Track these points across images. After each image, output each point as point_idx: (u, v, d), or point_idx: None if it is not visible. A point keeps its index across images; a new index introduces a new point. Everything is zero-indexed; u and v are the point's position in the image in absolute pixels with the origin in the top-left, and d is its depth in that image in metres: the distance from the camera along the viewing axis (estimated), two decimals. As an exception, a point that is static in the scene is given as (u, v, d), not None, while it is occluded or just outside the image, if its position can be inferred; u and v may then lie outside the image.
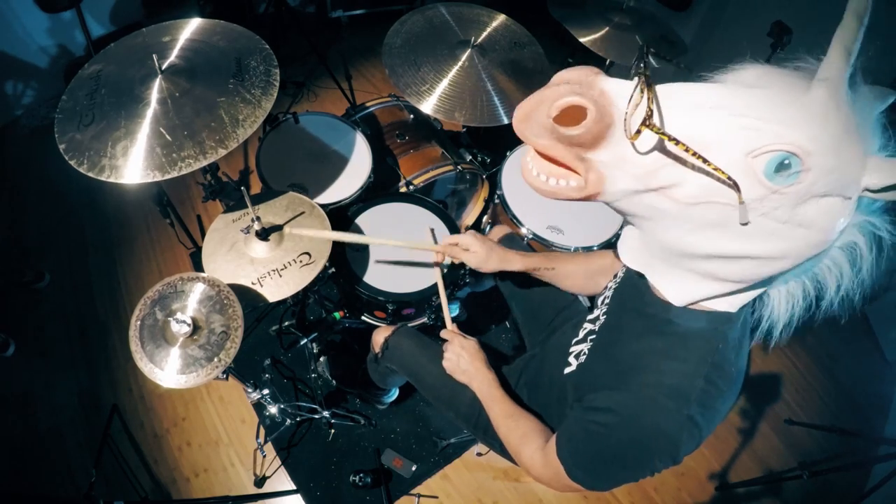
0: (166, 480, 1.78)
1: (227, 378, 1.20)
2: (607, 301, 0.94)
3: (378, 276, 1.48)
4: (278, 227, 1.33)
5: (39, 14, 2.13)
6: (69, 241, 2.27)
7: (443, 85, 1.60)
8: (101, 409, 1.85)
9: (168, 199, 1.77)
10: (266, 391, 1.52)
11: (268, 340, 2.01)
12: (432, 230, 1.52)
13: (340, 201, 1.61)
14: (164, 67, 1.23)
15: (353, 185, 1.65)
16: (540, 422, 0.99)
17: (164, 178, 1.10)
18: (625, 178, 0.56)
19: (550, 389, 1.04)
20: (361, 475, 1.74)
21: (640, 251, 0.73)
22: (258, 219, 1.25)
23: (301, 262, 1.28)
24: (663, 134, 0.50)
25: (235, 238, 1.32)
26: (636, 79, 0.52)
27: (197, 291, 1.16)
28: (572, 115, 0.52)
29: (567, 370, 0.95)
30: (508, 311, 1.46)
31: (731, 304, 0.70)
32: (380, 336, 1.36)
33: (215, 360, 1.09)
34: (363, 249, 1.53)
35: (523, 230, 1.64)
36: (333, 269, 1.50)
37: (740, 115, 0.52)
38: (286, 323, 1.91)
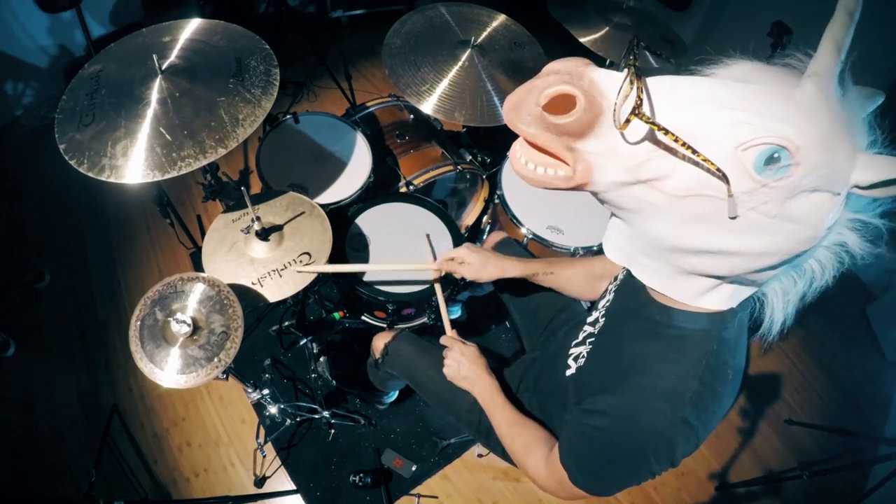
0: (166, 480, 1.78)
1: (227, 378, 1.20)
2: (607, 303, 0.94)
3: (378, 277, 1.48)
4: (278, 227, 1.33)
5: (39, 14, 2.13)
6: (69, 241, 2.27)
7: (443, 85, 1.60)
8: (101, 409, 1.85)
9: (168, 199, 1.77)
10: (266, 391, 1.52)
11: (268, 340, 2.01)
12: (428, 236, 1.51)
13: (340, 201, 1.61)
14: (164, 67, 1.23)
15: (353, 185, 1.65)
16: (543, 430, 0.98)
17: (164, 177, 1.10)
18: (613, 169, 0.55)
19: (552, 393, 1.04)
20: (361, 475, 1.74)
21: (626, 246, 0.73)
22: (258, 219, 1.25)
23: (301, 262, 1.28)
24: (653, 124, 0.49)
25: (235, 238, 1.32)
26: (626, 70, 0.52)
27: (197, 291, 1.16)
28: (562, 104, 0.52)
29: (567, 373, 0.95)
30: (508, 311, 1.46)
31: (723, 303, 0.69)
32: (380, 342, 1.36)
33: (215, 360, 1.09)
34: (363, 249, 1.53)
35: (523, 230, 1.64)
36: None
37: (731, 108, 0.52)
38: (286, 323, 1.91)
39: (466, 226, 2.11)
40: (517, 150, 0.59)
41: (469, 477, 1.87)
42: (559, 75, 0.52)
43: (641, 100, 0.49)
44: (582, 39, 1.84)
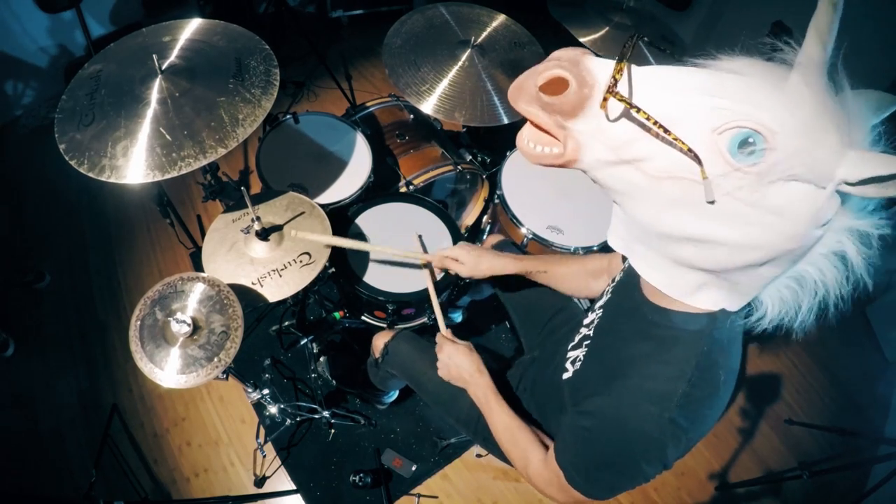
0: (166, 480, 1.78)
1: (227, 378, 1.20)
2: (603, 304, 0.94)
3: (378, 276, 1.48)
4: (278, 227, 1.33)
5: (39, 14, 2.13)
6: (69, 241, 2.27)
7: (443, 85, 1.60)
8: (101, 409, 1.85)
9: (168, 199, 1.77)
10: (266, 391, 1.52)
11: (268, 340, 2.01)
12: (420, 237, 1.51)
13: (340, 201, 1.61)
14: (164, 67, 1.23)
15: (353, 185, 1.65)
16: (539, 432, 0.98)
17: (164, 177, 1.10)
18: (599, 148, 0.58)
19: (551, 396, 1.03)
20: (361, 475, 1.74)
21: (623, 234, 0.74)
22: (258, 219, 1.25)
23: (301, 262, 1.28)
24: (626, 102, 0.52)
25: (235, 238, 1.32)
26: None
27: (197, 291, 1.16)
28: (559, 88, 0.56)
29: (565, 376, 0.95)
30: (507, 312, 1.46)
31: (716, 303, 0.68)
32: (379, 341, 1.36)
33: (215, 360, 1.09)
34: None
35: (523, 230, 1.64)
36: (333, 269, 1.50)
37: (711, 95, 0.53)
38: (286, 323, 1.91)
39: (466, 226, 2.11)
40: (523, 131, 0.64)
41: (469, 477, 1.87)
42: (559, 61, 0.56)
43: (616, 79, 0.52)
44: (582, 39, 1.84)
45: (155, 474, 1.79)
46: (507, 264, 1.18)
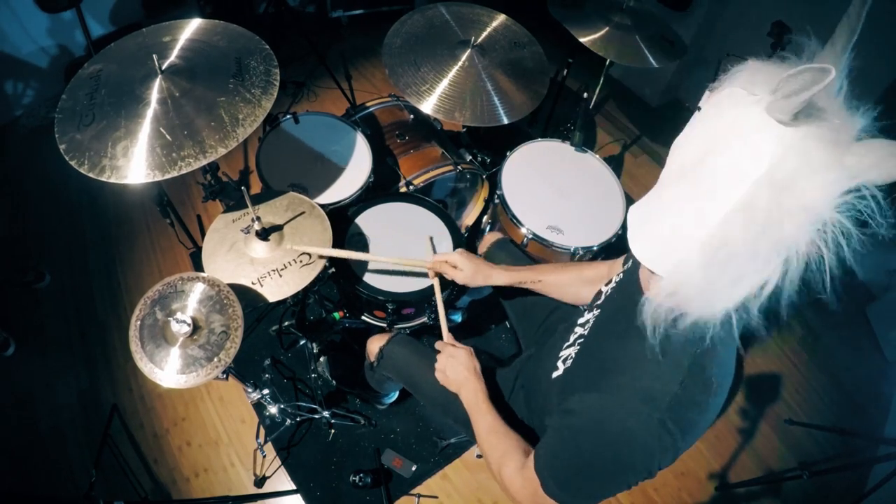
0: (166, 480, 1.78)
1: (227, 378, 1.20)
2: (600, 305, 0.94)
3: (378, 276, 1.48)
4: (278, 227, 1.33)
5: (39, 14, 2.13)
6: (69, 241, 2.27)
7: (443, 85, 1.60)
8: (101, 409, 1.85)
9: (168, 199, 1.77)
10: (266, 391, 1.52)
11: (268, 340, 2.01)
12: (431, 238, 1.52)
13: (340, 201, 1.61)
14: (164, 67, 1.23)
15: (353, 185, 1.65)
16: (524, 440, 0.95)
17: (165, 177, 1.10)
18: None
19: (541, 395, 1.03)
20: (361, 475, 1.74)
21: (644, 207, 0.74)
22: (258, 219, 1.25)
23: (301, 261, 1.28)
24: None
25: (235, 238, 1.32)
26: None
27: (197, 291, 1.16)
28: None
29: (555, 374, 0.94)
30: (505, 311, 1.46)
31: (699, 305, 0.65)
32: (374, 345, 1.36)
33: (215, 360, 1.09)
34: (363, 249, 1.53)
35: (523, 230, 1.64)
36: (333, 269, 1.50)
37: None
38: (286, 323, 1.91)
39: (466, 226, 2.11)
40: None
41: (469, 477, 1.87)
42: None
43: None
44: (582, 39, 1.84)
45: (155, 474, 1.79)
46: (499, 276, 1.22)
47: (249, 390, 1.48)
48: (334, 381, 1.91)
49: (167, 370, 1.08)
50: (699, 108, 0.67)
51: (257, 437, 1.79)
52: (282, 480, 1.79)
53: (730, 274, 0.61)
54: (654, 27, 1.97)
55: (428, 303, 1.57)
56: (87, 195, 2.37)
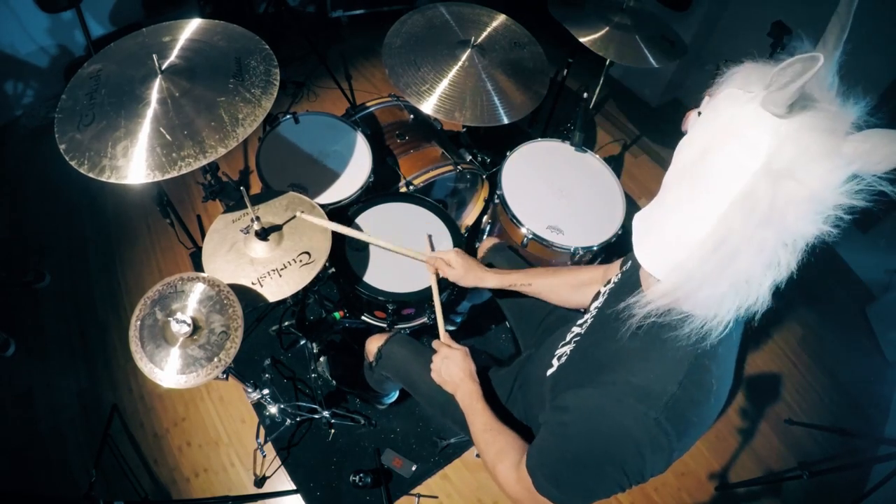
0: (166, 480, 1.78)
1: (227, 378, 1.20)
2: (598, 304, 0.94)
3: (378, 276, 1.48)
4: (278, 227, 1.33)
5: (39, 14, 2.13)
6: (69, 241, 2.27)
7: (443, 85, 1.60)
8: (101, 409, 1.85)
9: (168, 199, 1.77)
10: (266, 391, 1.52)
11: (268, 340, 2.01)
12: (430, 237, 1.52)
13: (340, 201, 1.61)
14: (164, 67, 1.23)
15: (353, 185, 1.65)
16: (520, 438, 0.95)
17: (164, 177, 1.10)
18: None
19: (536, 393, 1.03)
20: (361, 475, 1.74)
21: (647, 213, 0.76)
22: (258, 219, 1.25)
23: (301, 261, 1.28)
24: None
25: (235, 238, 1.32)
26: None
27: (197, 291, 1.16)
28: None
29: (549, 371, 0.94)
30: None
31: (700, 303, 0.66)
32: (373, 345, 1.36)
33: (215, 360, 1.09)
34: (363, 249, 1.53)
35: (523, 230, 1.64)
36: (333, 269, 1.50)
37: None
38: (286, 323, 1.91)
39: (466, 226, 2.12)
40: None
41: (469, 477, 1.87)
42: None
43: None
44: (582, 39, 1.84)
45: (155, 474, 1.79)
46: (489, 279, 1.24)
47: (249, 390, 1.48)
48: (334, 381, 1.91)
49: (167, 370, 1.08)
50: (699, 113, 0.67)
51: (257, 437, 1.79)
52: (282, 480, 1.79)
53: (734, 271, 0.61)
54: (654, 27, 1.97)
55: (428, 303, 1.57)
56: (87, 195, 2.37)
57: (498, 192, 1.72)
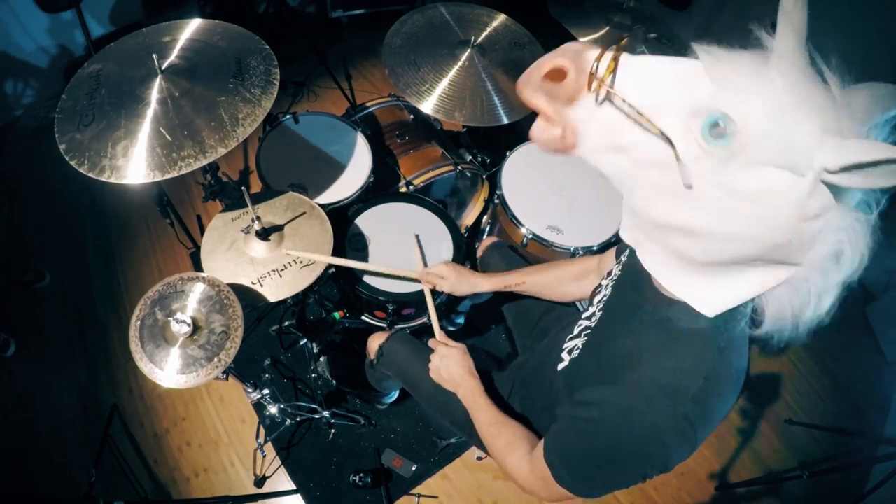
0: (166, 480, 1.78)
1: (227, 378, 1.20)
2: (604, 298, 0.94)
3: (378, 277, 1.48)
4: (278, 227, 1.33)
5: (39, 14, 2.13)
6: (69, 241, 2.27)
7: (443, 85, 1.60)
8: (101, 409, 1.85)
9: (168, 199, 1.77)
10: (266, 391, 1.52)
11: (268, 340, 2.01)
12: (417, 236, 1.52)
13: (340, 201, 1.61)
14: (164, 67, 1.23)
15: (353, 185, 1.65)
16: (527, 429, 0.96)
17: (164, 177, 1.10)
18: (594, 135, 0.60)
19: (543, 391, 1.02)
20: (361, 475, 1.74)
21: (629, 224, 0.73)
22: (258, 218, 1.25)
23: (301, 262, 1.28)
24: (608, 88, 0.55)
25: (235, 237, 1.32)
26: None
27: (197, 291, 1.16)
28: (563, 78, 0.59)
29: (560, 366, 0.93)
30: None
31: (711, 302, 0.67)
32: (374, 342, 1.36)
33: (215, 360, 1.09)
34: (363, 249, 1.53)
35: (523, 230, 1.64)
36: (333, 269, 1.50)
37: (690, 82, 0.55)
38: (286, 323, 1.91)
39: (466, 226, 2.11)
40: (538, 120, 0.65)
41: (469, 477, 1.87)
42: (563, 52, 0.59)
43: (597, 66, 0.55)
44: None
45: (155, 474, 1.79)
46: (483, 283, 1.25)
47: (249, 390, 1.48)
48: (334, 381, 1.91)
49: (167, 370, 1.08)
50: None
51: (257, 437, 1.79)
52: (282, 480, 1.79)
53: (728, 277, 0.61)
54: (654, 27, 1.96)
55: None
56: (87, 195, 2.37)
57: (498, 192, 1.72)
